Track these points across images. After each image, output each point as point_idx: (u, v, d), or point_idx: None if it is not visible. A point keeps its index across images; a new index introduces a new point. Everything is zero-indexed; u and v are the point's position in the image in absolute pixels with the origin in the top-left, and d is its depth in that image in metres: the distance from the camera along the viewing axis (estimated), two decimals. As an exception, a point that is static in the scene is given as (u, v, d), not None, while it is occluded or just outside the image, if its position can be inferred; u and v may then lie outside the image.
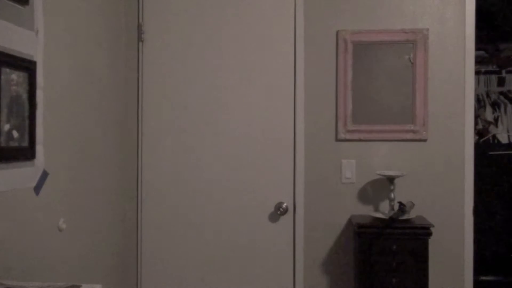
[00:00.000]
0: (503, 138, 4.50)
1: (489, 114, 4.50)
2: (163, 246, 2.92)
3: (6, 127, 1.74)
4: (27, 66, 1.87)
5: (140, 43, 2.92)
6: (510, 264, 4.49)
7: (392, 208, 2.77)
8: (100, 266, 2.61)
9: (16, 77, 1.79)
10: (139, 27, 2.91)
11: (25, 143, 1.87)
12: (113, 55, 2.76)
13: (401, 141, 2.89)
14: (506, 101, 4.52)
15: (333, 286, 2.91)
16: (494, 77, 4.59)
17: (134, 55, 2.93)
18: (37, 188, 1.99)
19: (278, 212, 2.87)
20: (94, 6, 2.51)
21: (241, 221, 2.90)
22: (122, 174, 2.89)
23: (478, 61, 4.28)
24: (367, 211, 2.89)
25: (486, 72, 4.58)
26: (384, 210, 2.83)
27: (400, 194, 2.84)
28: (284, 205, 2.88)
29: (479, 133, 4.47)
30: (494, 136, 4.50)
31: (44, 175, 2.03)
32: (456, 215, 2.86)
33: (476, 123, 4.19)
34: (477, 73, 4.34)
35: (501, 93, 4.57)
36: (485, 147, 4.42)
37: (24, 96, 1.85)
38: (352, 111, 2.89)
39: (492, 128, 4.49)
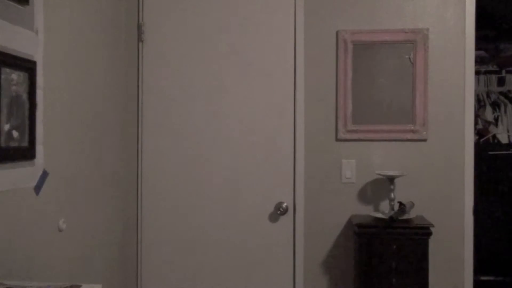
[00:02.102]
0: (503, 138, 4.50)
1: (489, 114, 4.50)
2: (163, 246, 2.92)
3: (6, 127, 1.74)
4: (27, 66, 1.87)
5: (140, 43, 2.92)
6: (510, 264, 4.49)
7: (392, 208, 2.77)
8: (100, 266, 2.61)
9: (16, 77, 1.79)
10: (139, 27, 2.91)
11: (25, 143, 1.87)
12: (113, 55, 2.76)
13: (401, 141, 2.89)
14: (506, 101, 4.53)
15: (333, 286, 2.91)
16: (494, 77, 4.60)
17: (134, 55, 2.93)
18: (37, 188, 1.99)
19: (278, 212, 2.87)
20: (94, 6, 2.51)
21: (241, 220, 2.90)
22: (122, 174, 2.89)
23: (478, 61, 4.29)
24: (367, 211, 2.89)
25: (486, 72, 4.59)
26: (384, 210, 2.83)
27: (400, 194, 2.84)
28: (284, 205, 2.88)
29: (479, 133, 4.47)
30: (494, 136, 4.51)
31: (44, 175, 2.03)
32: (456, 215, 2.86)
33: (476, 123, 4.19)
34: (477, 73, 4.35)
35: (501, 93, 4.58)
36: (485, 147, 4.42)
37: (24, 96, 1.85)
38: (352, 111, 2.89)
39: (492, 128, 4.49)
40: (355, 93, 2.89)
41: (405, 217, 2.68)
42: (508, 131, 4.50)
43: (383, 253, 2.60)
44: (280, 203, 2.88)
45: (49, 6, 2.04)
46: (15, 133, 1.79)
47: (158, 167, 2.92)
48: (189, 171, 2.91)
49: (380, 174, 2.80)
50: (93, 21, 2.51)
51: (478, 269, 3.71)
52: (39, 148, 1.97)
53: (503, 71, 4.58)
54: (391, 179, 2.78)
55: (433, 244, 2.68)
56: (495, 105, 4.54)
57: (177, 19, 2.92)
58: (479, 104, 4.51)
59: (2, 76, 1.71)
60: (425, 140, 2.88)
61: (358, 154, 2.91)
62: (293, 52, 2.89)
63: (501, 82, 4.59)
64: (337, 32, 2.90)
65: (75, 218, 2.31)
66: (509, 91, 4.58)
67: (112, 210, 2.77)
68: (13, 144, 1.79)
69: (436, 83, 2.87)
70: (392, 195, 2.79)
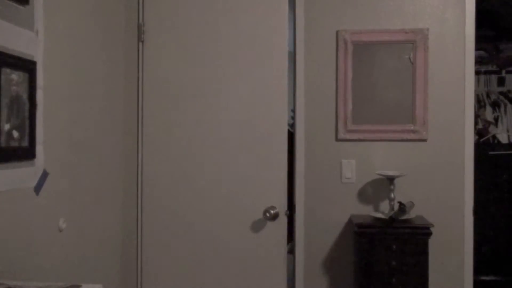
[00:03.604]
0: (503, 138, 4.50)
1: (489, 114, 4.50)
2: (163, 246, 2.92)
3: (6, 127, 1.74)
4: (27, 66, 1.87)
5: (140, 43, 2.92)
6: (510, 264, 4.49)
7: (392, 208, 2.78)
8: (100, 266, 2.61)
9: (16, 77, 1.79)
10: (139, 27, 2.91)
11: (25, 143, 1.86)
12: (113, 55, 2.76)
13: (401, 141, 2.89)
14: (506, 101, 4.53)
15: (333, 286, 2.91)
16: (494, 77, 4.60)
17: (134, 55, 2.92)
18: (37, 188, 1.99)
19: (263, 216, 2.65)
20: (94, 6, 2.51)
21: (233, 224, 2.76)
22: (122, 174, 2.89)
23: (478, 61, 4.29)
24: (367, 211, 2.89)
25: (486, 72, 4.59)
26: (384, 210, 2.83)
27: (400, 194, 2.84)
28: (273, 211, 2.65)
29: (479, 133, 4.47)
30: (494, 136, 4.51)
31: (44, 175, 2.03)
32: (456, 215, 2.87)
33: (476, 123, 4.19)
34: (477, 73, 4.35)
35: (501, 93, 4.58)
36: (485, 147, 4.43)
37: (24, 96, 1.85)
38: (352, 111, 2.89)
39: (492, 128, 4.49)
40: (355, 93, 2.89)
41: (405, 217, 2.68)
42: (508, 131, 4.50)
43: (383, 253, 2.60)
44: (270, 208, 2.63)
45: (49, 6, 2.04)
46: (15, 133, 1.79)
47: (158, 167, 2.92)
48: (188, 170, 2.90)
49: (380, 174, 2.80)
50: (93, 21, 2.51)
51: (478, 269, 3.71)
52: (39, 148, 1.97)
53: (503, 71, 4.59)
54: (391, 179, 2.78)
55: (433, 244, 2.68)
56: (495, 105, 4.54)
57: (177, 19, 2.92)
58: (479, 104, 4.51)
59: (2, 76, 1.71)
60: (425, 140, 2.88)
61: (358, 154, 2.91)
62: (286, 52, 2.84)
63: (501, 82, 4.60)
64: (337, 32, 2.90)
65: (75, 218, 2.31)
66: (509, 91, 4.58)
67: (112, 210, 2.77)
68: (13, 144, 1.79)
69: (436, 83, 2.87)
70: (392, 195, 2.79)
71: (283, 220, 2.65)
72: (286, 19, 2.87)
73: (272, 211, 2.59)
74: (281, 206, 2.64)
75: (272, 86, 2.86)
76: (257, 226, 2.72)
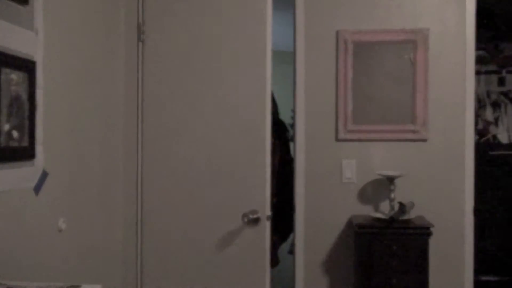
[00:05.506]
0: (503, 138, 4.50)
1: (489, 114, 4.50)
2: (163, 246, 2.92)
3: (6, 127, 1.74)
4: (27, 66, 1.87)
5: (140, 43, 2.91)
6: (510, 264, 4.49)
7: (392, 208, 2.78)
8: (100, 266, 2.61)
9: (16, 77, 1.79)
10: (139, 27, 2.91)
11: (25, 143, 1.86)
12: (113, 55, 2.76)
13: (401, 141, 2.89)
14: (506, 101, 4.53)
15: (333, 286, 2.91)
16: (494, 77, 4.60)
17: (134, 55, 2.92)
18: (37, 188, 1.99)
19: (241, 221, 2.49)
20: (94, 6, 2.51)
21: (214, 229, 2.70)
22: (122, 174, 2.89)
23: (478, 61, 4.29)
24: (367, 211, 2.89)
25: (486, 72, 4.59)
26: (384, 210, 2.83)
27: (400, 194, 2.84)
28: (252, 215, 2.48)
29: (479, 133, 4.47)
30: (494, 136, 4.51)
31: (44, 175, 2.03)
32: (456, 215, 2.87)
33: (476, 123, 4.19)
34: (477, 73, 4.34)
35: (501, 93, 4.58)
36: (485, 147, 4.43)
37: (24, 96, 1.85)
38: (352, 111, 2.89)
39: (492, 128, 4.49)
40: (355, 93, 2.89)
41: (405, 217, 2.68)
42: (508, 131, 4.50)
43: (383, 253, 2.60)
44: (250, 212, 2.46)
45: (49, 6, 2.04)
46: (15, 133, 1.79)
47: (159, 167, 2.92)
48: (186, 170, 2.89)
49: (380, 174, 2.80)
50: (93, 21, 2.51)
51: (478, 269, 3.71)
52: (39, 148, 1.97)
53: (503, 71, 4.59)
54: (391, 179, 2.78)
55: (433, 244, 2.68)
56: (495, 105, 4.54)
57: (177, 19, 2.91)
58: (479, 104, 4.51)
59: (2, 76, 1.71)
60: (425, 140, 2.88)
61: (358, 154, 2.91)
62: (269, 52, 2.79)
63: (501, 82, 4.60)
64: (337, 32, 2.90)
65: (75, 218, 2.31)
66: (509, 91, 4.58)
67: (112, 210, 2.77)
68: (13, 144, 1.79)
69: (436, 83, 2.87)
70: (392, 195, 2.79)
71: (264, 225, 2.44)
72: (269, 21, 2.76)
73: (251, 216, 2.39)
74: (263, 210, 2.43)
75: (253, 82, 2.76)
76: (235, 232, 2.55)
